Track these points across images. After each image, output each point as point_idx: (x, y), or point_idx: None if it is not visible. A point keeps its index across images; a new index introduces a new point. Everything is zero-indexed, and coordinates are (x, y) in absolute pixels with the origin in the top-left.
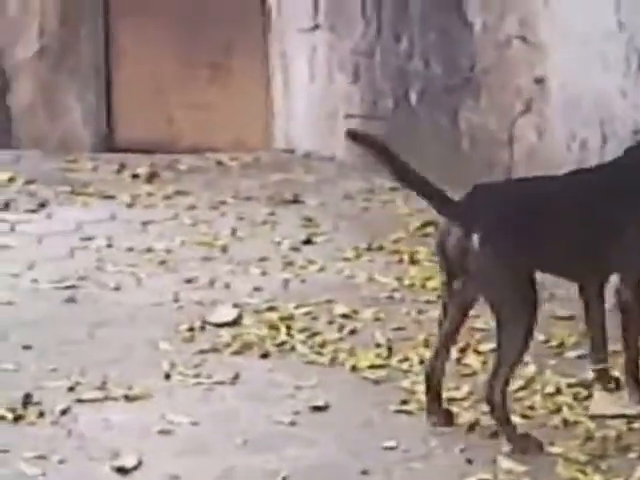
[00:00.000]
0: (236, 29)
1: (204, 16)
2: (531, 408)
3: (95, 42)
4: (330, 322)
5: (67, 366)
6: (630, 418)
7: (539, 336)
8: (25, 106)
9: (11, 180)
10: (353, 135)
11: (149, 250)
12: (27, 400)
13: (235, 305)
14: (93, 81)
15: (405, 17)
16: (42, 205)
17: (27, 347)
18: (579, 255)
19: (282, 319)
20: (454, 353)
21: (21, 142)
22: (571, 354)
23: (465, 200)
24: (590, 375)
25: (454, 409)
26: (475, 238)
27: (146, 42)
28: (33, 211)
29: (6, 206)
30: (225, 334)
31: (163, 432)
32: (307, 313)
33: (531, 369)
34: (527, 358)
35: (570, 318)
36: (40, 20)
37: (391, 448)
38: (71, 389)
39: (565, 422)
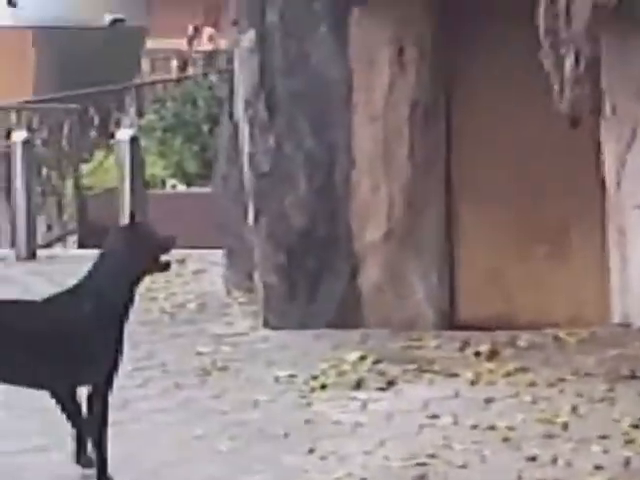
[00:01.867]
0: (573, 206)
1: (542, 196)
2: None
3: (438, 224)
4: None
5: None
6: None
7: None
8: (373, 286)
9: (362, 359)
10: None
11: (492, 428)
12: None
13: None
14: (436, 261)
15: None
16: (391, 383)
17: None
18: None
19: None
20: None
21: (369, 321)
22: None
23: None
24: None
25: None
26: None
27: (485, 222)
28: (382, 389)
29: (358, 385)
30: None
31: None
32: None
33: None
34: None
35: None
36: (388, 204)
37: None
38: None
39: None
